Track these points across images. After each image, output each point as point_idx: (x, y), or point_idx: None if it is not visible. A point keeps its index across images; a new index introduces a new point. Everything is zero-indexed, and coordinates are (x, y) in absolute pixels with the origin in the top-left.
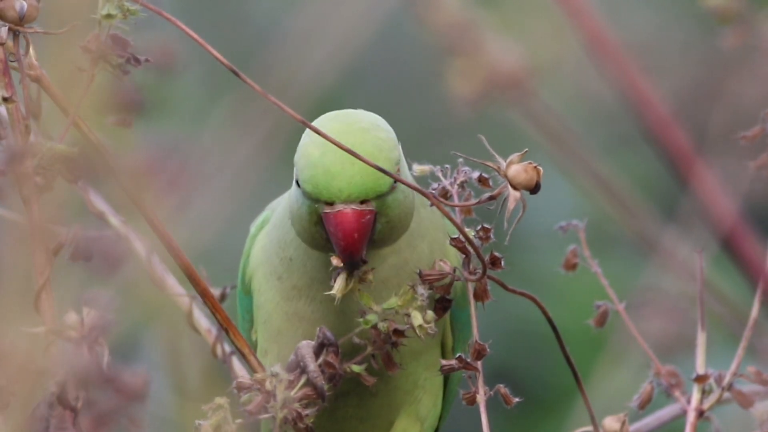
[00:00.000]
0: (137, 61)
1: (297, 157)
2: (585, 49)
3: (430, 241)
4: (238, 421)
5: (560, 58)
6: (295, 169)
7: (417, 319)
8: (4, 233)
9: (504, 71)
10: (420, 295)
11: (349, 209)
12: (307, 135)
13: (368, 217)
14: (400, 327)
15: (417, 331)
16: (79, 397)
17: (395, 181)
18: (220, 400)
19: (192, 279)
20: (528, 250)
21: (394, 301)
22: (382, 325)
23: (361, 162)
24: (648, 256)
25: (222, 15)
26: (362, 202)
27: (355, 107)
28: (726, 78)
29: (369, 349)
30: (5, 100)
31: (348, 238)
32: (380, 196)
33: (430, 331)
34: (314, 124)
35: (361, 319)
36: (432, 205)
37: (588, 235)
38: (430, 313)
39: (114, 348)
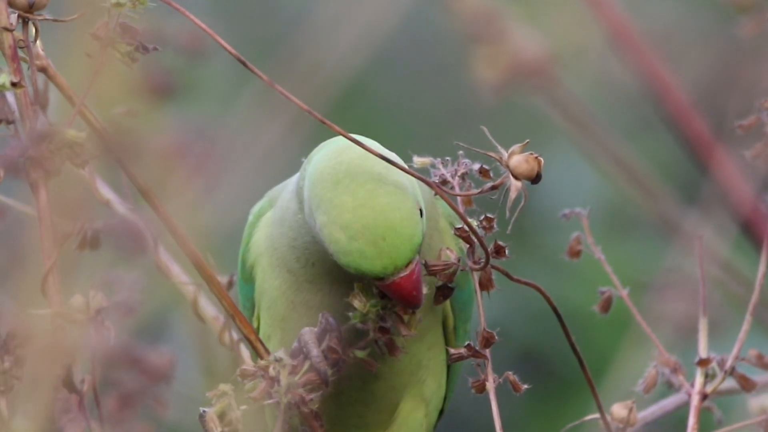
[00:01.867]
0: (145, 48)
1: (325, 233)
2: (607, 37)
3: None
4: (243, 407)
5: (583, 46)
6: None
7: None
8: (15, 218)
9: (528, 58)
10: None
11: (399, 279)
12: (324, 213)
13: (417, 271)
14: (384, 325)
15: (408, 327)
16: (86, 380)
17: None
18: (225, 387)
19: (198, 266)
20: (552, 232)
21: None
22: (371, 319)
23: (390, 233)
24: (669, 239)
25: (251, 1)
26: (408, 264)
27: (381, 93)
28: (743, 65)
29: (372, 335)
30: (14, 85)
31: (410, 301)
32: (419, 245)
33: (418, 324)
34: (327, 195)
35: (350, 314)
36: (435, 194)
37: (611, 217)
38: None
39: (140, 329)
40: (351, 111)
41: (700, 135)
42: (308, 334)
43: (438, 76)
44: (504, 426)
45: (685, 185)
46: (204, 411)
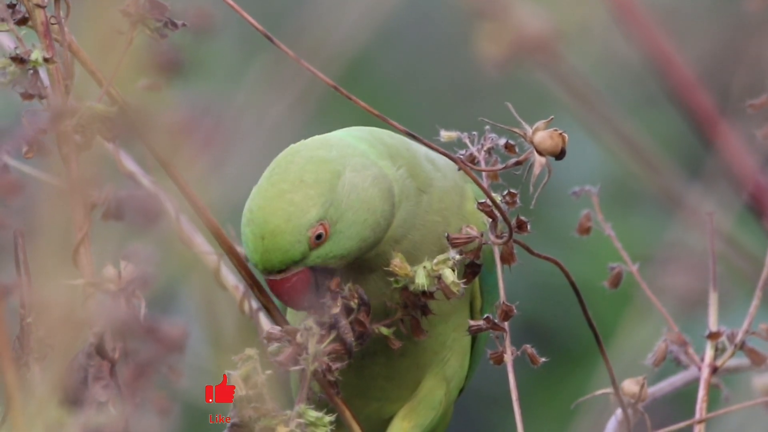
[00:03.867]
0: (174, 24)
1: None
2: (611, 12)
3: (440, 209)
4: (268, 372)
5: (587, 21)
6: None
7: (448, 278)
8: (45, 191)
9: (532, 34)
10: (452, 258)
11: (271, 278)
12: (252, 191)
13: (293, 281)
14: (430, 288)
15: (451, 287)
16: (117, 347)
17: (311, 245)
18: (250, 351)
19: (218, 237)
20: (559, 208)
21: (427, 263)
22: (414, 286)
23: (268, 236)
24: (673, 213)
25: None
26: (281, 270)
27: (386, 69)
28: (748, 40)
29: (399, 314)
30: (46, 61)
31: (282, 300)
32: (297, 262)
33: (461, 288)
34: (266, 170)
35: (392, 279)
36: (460, 169)
37: (614, 192)
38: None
39: (152, 300)
40: (356, 86)
41: (705, 110)
42: (337, 304)
43: (442, 52)
44: (506, 396)
45: (689, 160)
46: (229, 374)
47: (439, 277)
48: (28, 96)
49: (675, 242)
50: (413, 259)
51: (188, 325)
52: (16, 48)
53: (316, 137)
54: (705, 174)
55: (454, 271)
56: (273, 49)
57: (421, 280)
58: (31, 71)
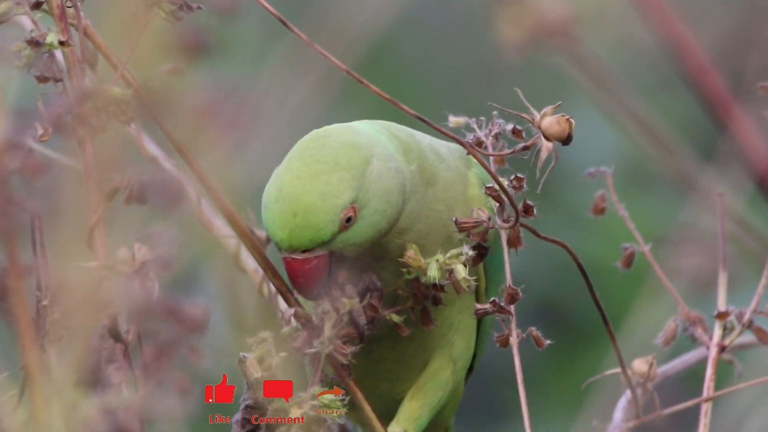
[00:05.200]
0: (189, 7)
1: (269, 181)
2: None
3: (445, 198)
4: (282, 354)
5: (604, 6)
6: None
7: (460, 273)
8: (67, 173)
9: (551, 19)
10: (465, 254)
11: (291, 258)
12: (276, 171)
13: (313, 263)
14: (441, 282)
15: (462, 283)
16: (131, 329)
17: (340, 228)
18: (265, 334)
19: (231, 221)
20: (576, 189)
21: (439, 257)
22: (425, 278)
23: (301, 214)
24: (686, 195)
25: None
26: (306, 250)
27: (407, 52)
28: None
29: (409, 302)
30: (62, 44)
31: (294, 283)
32: (326, 243)
33: (471, 284)
34: (291, 152)
35: (404, 269)
36: (468, 153)
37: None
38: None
39: (174, 282)
40: (378, 70)
41: (719, 93)
42: (351, 289)
43: (463, 35)
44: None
45: (703, 142)
46: (244, 356)
47: (451, 271)
48: (43, 79)
49: (688, 223)
50: (420, 249)
51: (210, 306)
52: (31, 31)
53: (340, 124)
54: (718, 156)
55: (465, 266)
56: (294, 34)
57: (433, 273)
58: (47, 54)
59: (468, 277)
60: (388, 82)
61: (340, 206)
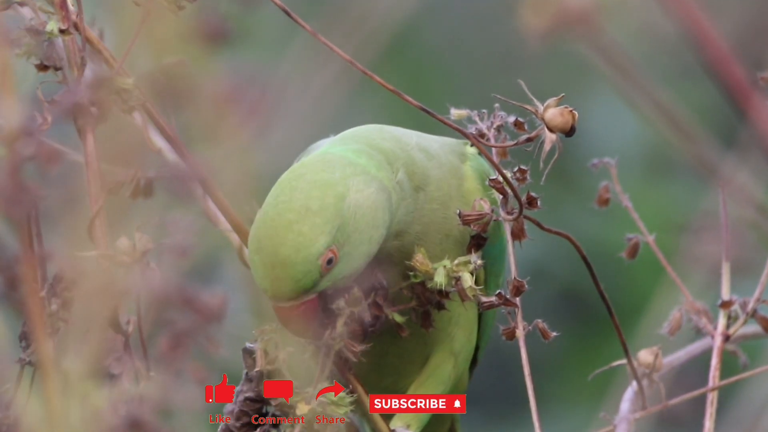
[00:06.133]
0: None
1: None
2: None
3: (439, 196)
4: (289, 348)
5: None
6: None
7: (467, 281)
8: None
9: (574, 7)
10: (473, 262)
11: (279, 307)
12: (257, 216)
13: (301, 309)
14: (447, 288)
15: (467, 291)
16: (131, 321)
17: (322, 271)
18: (270, 327)
19: (226, 214)
20: (597, 176)
21: (447, 263)
22: (431, 284)
23: (279, 266)
24: (707, 182)
25: None
26: (292, 298)
27: (429, 41)
28: None
29: (413, 303)
30: (62, 32)
31: (290, 329)
32: (310, 289)
33: (477, 294)
34: (270, 193)
35: (411, 273)
36: (472, 145)
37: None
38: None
39: (192, 271)
40: (399, 59)
41: (739, 81)
42: (357, 288)
43: (486, 23)
44: (543, 363)
45: (723, 130)
46: (249, 347)
47: (458, 279)
48: (43, 67)
49: (709, 211)
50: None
51: (228, 295)
52: (31, 19)
53: (316, 155)
54: (738, 144)
55: (472, 275)
56: (317, 20)
57: (440, 278)
58: (47, 42)
59: (474, 286)
60: (411, 69)
61: (315, 255)
